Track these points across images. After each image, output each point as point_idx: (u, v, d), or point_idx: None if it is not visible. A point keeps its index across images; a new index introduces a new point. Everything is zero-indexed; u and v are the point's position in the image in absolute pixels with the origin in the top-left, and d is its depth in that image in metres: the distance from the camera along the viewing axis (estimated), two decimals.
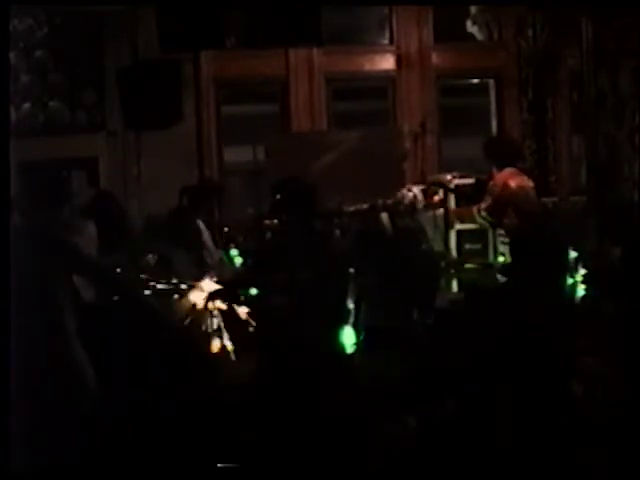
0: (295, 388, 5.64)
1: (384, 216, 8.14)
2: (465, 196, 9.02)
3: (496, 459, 5.71)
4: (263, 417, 5.72)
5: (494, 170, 8.21)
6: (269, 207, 6.99)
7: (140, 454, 5.31)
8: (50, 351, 4.68)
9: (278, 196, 6.08)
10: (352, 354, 6.09)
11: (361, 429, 5.87)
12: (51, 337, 4.66)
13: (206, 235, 7.98)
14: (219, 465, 5.66)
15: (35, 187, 5.36)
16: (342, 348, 5.94)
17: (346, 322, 6.07)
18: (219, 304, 6.11)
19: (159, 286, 6.00)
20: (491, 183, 8.21)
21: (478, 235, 9.47)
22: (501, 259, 8.58)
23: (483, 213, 8.17)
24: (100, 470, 4.66)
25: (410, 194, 8.87)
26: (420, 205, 9.01)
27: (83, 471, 4.62)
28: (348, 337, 6.02)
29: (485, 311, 6.66)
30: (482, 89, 14.15)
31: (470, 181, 9.28)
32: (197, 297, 6.07)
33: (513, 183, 8.14)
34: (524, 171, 8.61)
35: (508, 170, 8.21)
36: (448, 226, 9.16)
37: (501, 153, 8.30)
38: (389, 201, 8.84)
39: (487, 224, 8.54)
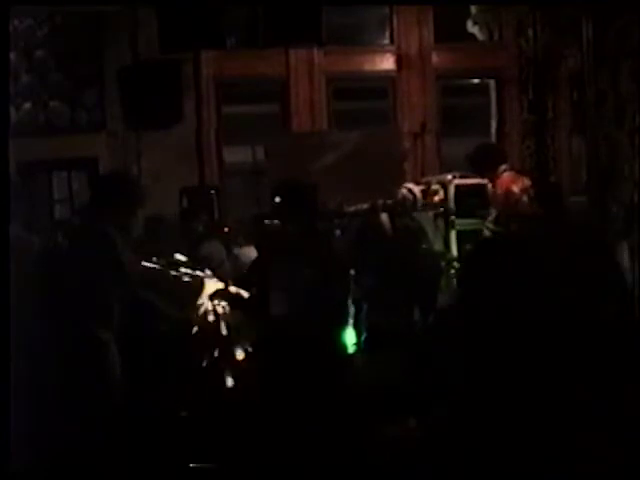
0: (296, 388, 5.64)
1: (384, 216, 8.13)
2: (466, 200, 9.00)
3: (496, 460, 5.70)
4: (263, 417, 5.72)
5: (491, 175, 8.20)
6: (270, 208, 6.99)
7: (140, 453, 5.33)
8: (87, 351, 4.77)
9: (278, 198, 6.08)
10: (353, 354, 6.09)
11: (361, 429, 5.86)
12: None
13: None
14: (217, 465, 5.67)
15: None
16: (343, 348, 5.94)
17: (347, 322, 6.07)
18: (220, 303, 6.11)
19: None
20: (492, 192, 8.16)
21: (478, 235, 9.45)
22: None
23: (489, 225, 8.11)
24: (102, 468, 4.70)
25: (410, 195, 8.85)
26: (420, 205, 8.99)
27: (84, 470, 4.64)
28: (349, 337, 6.03)
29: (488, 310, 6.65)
30: (482, 89, 14.16)
31: (471, 181, 9.26)
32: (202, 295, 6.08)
33: (516, 188, 8.10)
34: (521, 172, 8.60)
35: (507, 174, 8.18)
36: (448, 226, 9.15)
37: (487, 161, 8.28)
38: (389, 201, 8.83)
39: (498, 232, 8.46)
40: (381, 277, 7.49)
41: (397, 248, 7.79)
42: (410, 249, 7.90)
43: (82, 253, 5.06)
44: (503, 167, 8.40)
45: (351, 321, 6.21)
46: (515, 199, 8.02)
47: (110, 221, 5.16)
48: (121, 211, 5.24)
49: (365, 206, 9.06)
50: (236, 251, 8.58)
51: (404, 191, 8.59)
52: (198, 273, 6.07)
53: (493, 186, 8.17)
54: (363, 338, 6.25)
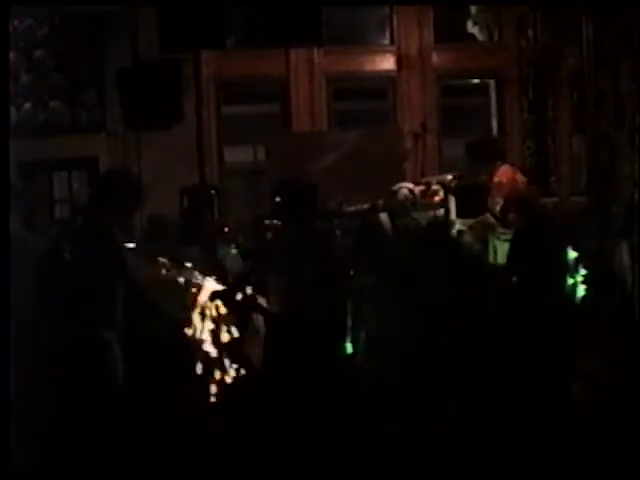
0: (295, 389, 5.64)
1: (383, 216, 8.13)
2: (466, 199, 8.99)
3: (496, 459, 5.72)
4: (263, 416, 5.72)
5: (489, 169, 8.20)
6: (270, 209, 6.99)
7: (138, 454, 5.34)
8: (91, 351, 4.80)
9: (278, 198, 6.08)
10: (352, 355, 6.09)
11: (361, 430, 5.87)
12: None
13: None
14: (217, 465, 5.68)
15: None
16: (342, 349, 5.94)
17: (346, 323, 6.07)
18: (220, 303, 6.11)
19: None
20: (495, 181, 8.16)
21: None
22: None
23: (497, 215, 8.08)
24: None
25: (410, 195, 8.85)
26: (418, 204, 9.00)
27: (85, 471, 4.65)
28: (348, 338, 6.03)
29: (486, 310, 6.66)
30: (482, 89, 14.16)
31: (471, 182, 9.26)
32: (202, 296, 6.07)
33: (519, 178, 8.12)
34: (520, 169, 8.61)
35: (506, 167, 8.19)
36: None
37: (487, 152, 8.27)
38: (389, 201, 8.83)
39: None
40: (381, 278, 7.48)
41: (397, 248, 7.79)
42: (410, 249, 7.89)
43: (84, 253, 5.06)
44: (499, 163, 8.41)
45: (351, 322, 6.20)
46: (519, 188, 8.02)
47: (111, 221, 5.17)
48: (121, 210, 5.25)
49: (365, 206, 9.06)
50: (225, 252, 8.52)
51: (404, 191, 8.60)
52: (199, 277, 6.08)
53: (494, 175, 8.17)
54: (363, 339, 6.25)
